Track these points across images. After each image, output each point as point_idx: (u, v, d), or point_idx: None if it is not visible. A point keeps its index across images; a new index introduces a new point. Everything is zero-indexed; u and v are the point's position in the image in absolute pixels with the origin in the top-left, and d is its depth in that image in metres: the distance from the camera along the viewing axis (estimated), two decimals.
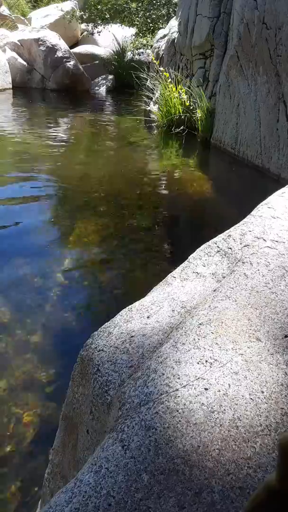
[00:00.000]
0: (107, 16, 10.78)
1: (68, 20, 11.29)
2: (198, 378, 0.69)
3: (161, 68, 7.08)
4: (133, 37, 11.31)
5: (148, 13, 10.65)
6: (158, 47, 8.40)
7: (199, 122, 6.20)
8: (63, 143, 6.13)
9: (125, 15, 10.80)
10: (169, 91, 6.55)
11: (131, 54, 10.92)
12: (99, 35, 11.57)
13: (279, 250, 0.96)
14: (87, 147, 6.23)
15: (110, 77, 10.91)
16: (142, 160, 5.72)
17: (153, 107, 7.53)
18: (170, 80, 6.65)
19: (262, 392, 0.68)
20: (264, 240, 0.99)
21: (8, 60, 9.74)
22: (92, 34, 11.80)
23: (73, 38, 12.37)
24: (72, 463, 0.91)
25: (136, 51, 10.95)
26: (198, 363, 0.72)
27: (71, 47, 11.38)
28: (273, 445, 0.62)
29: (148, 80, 7.76)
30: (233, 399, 0.66)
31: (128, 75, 10.00)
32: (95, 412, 0.78)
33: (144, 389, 0.69)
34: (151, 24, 10.81)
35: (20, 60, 10.10)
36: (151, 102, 7.74)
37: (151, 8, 10.59)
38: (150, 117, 7.47)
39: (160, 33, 8.87)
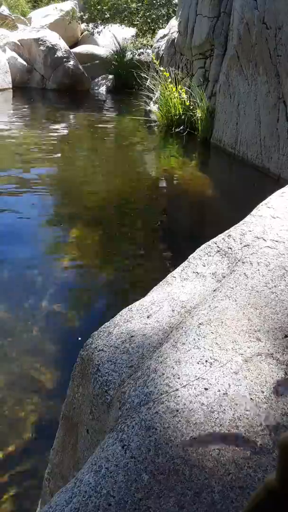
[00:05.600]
0: (107, 16, 10.77)
1: (68, 21, 11.30)
2: (198, 378, 0.69)
3: (161, 68, 7.08)
4: (133, 37, 11.29)
5: (148, 13, 10.65)
6: (158, 47, 8.40)
7: (199, 122, 6.20)
8: (63, 143, 6.13)
9: (125, 15, 10.79)
10: (169, 91, 6.55)
11: (131, 54, 10.91)
12: (99, 35, 11.56)
13: (279, 250, 0.96)
14: (87, 147, 6.23)
15: (110, 77, 10.90)
16: (142, 160, 5.72)
17: (153, 107, 7.53)
18: (170, 80, 6.65)
19: (262, 392, 0.68)
20: (264, 240, 0.99)
21: (8, 60, 9.74)
22: (92, 34, 11.80)
23: (73, 38, 12.37)
24: (72, 463, 0.91)
25: (136, 51, 10.95)
26: (198, 363, 0.72)
27: (71, 47, 11.38)
28: (273, 445, 0.62)
29: (148, 80, 7.76)
30: (233, 399, 0.66)
31: (128, 75, 9.99)
32: (95, 412, 0.78)
33: (144, 389, 0.69)
34: (151, 24, 10.81)
35: (20, 60, 10.10)
36: (151, 102, 7.74)
37: (151, 8, 10.59)
38: (150, 117, 7.47)
39: (160, 33, 8.87)
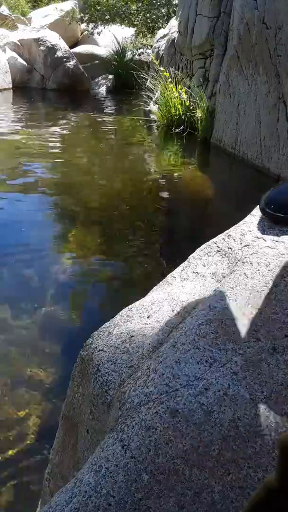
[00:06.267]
0: (107, 17, 10.78)
1: (68, 22, 11.32)
2: (198, 378, 0.69)
3: (161, 68, 7.08)
4: (133, 37, 11.29)
5: (148, 13, 10.65)
6: (158, 47, 8.40)
7: (199, 122, 6.20)
8: (63, 143, 6.13)
9: (125, 16, 10.80)
10: (169, 91, 6.55)
11: (131, 54, 10.91)
12: (99, 35, 11.57)
13: (279, 250, 0.96)
14: (87, 147, 6.23)
15: (110, 77, 10.91)
16: (142, 160, 5.72)
17: (153, 107, 7.53)
18: (170, 80, 6.65)
19: (262, 392, 0.68)
20: (264, 240, 0.99)
21: (8, 60, 9.74)
22: (92, 34, 11.81)
23: (73, 38, 12.37)
24: (72, 463, 0.91)
25: (136, 51, 10.94)
26: (198, 363, 0.72)
27: (71, 47, 11.38)
28: (273, 445, 0.62)
29: (148, 80, 7.76)
30: (233, 399, 0.66)
31: (128, 75, 9.99)
32: (95, 412, 0.78)
33: (144, 389, 0.69)
34: (151, 24, 10.81)
35: (20, 60, 10.10)
36: (151, 102, 7.74)
37: (151, 8, 10.59)
38: (150, 117, 7.47)
39: (160, 33, 8.87)
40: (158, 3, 10.58)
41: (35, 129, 6.70)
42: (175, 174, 5.10)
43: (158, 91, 7.07)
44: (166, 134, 6.64)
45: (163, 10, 10.53)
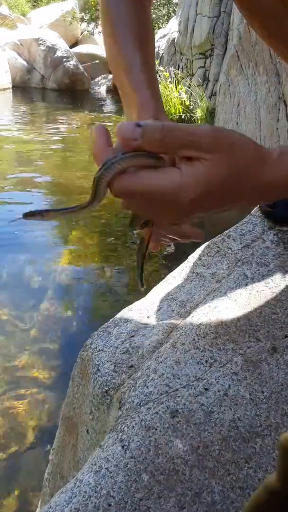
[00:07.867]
0: None
1: (69, 22, 11.34)
2: (198, 378, 0.69)
3: (161, 68, 7.09)
4: None
5: None
6: (158, 47, 8.41)
7: (199, 121, 6.20)
8: (63, 143, 6.13)
9: None
10: (169, 91, 6.56)
11: None
12: (99, 35, 11.59)
13: (279, 250, 0.96)
14: (87, 146, 6.23)
15: (110, 76, 10.91)
16: None
17: None
18: (170, 79, 6.66)
19: (262, 392, 0.68)
20: (264, 240, 0.99)
21: (8, 60, 9.74)
22: (92, 34, 11.82)
23: (73, 38, 12.38)
24: (72, 463, 0.91)
25: None
26: (198, 363, 0.72)
27: (71, 46, 11.39)
28: (273, 445, 0.62)
29: None
30: (233, 399, 0.66)
31: None
32: (95, 412, 0.78)
33: (144, 389, 0.69)
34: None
35: (20, 59, 10.10)
36: None
37: (151, 8, 10.61)
38: None
39: (160, 33, 8.88)
40: (158, 3, 10.59)
41: (35, 129, 6.70)
42: None
43: None
44: None
45: (163, 10, 10.53)
